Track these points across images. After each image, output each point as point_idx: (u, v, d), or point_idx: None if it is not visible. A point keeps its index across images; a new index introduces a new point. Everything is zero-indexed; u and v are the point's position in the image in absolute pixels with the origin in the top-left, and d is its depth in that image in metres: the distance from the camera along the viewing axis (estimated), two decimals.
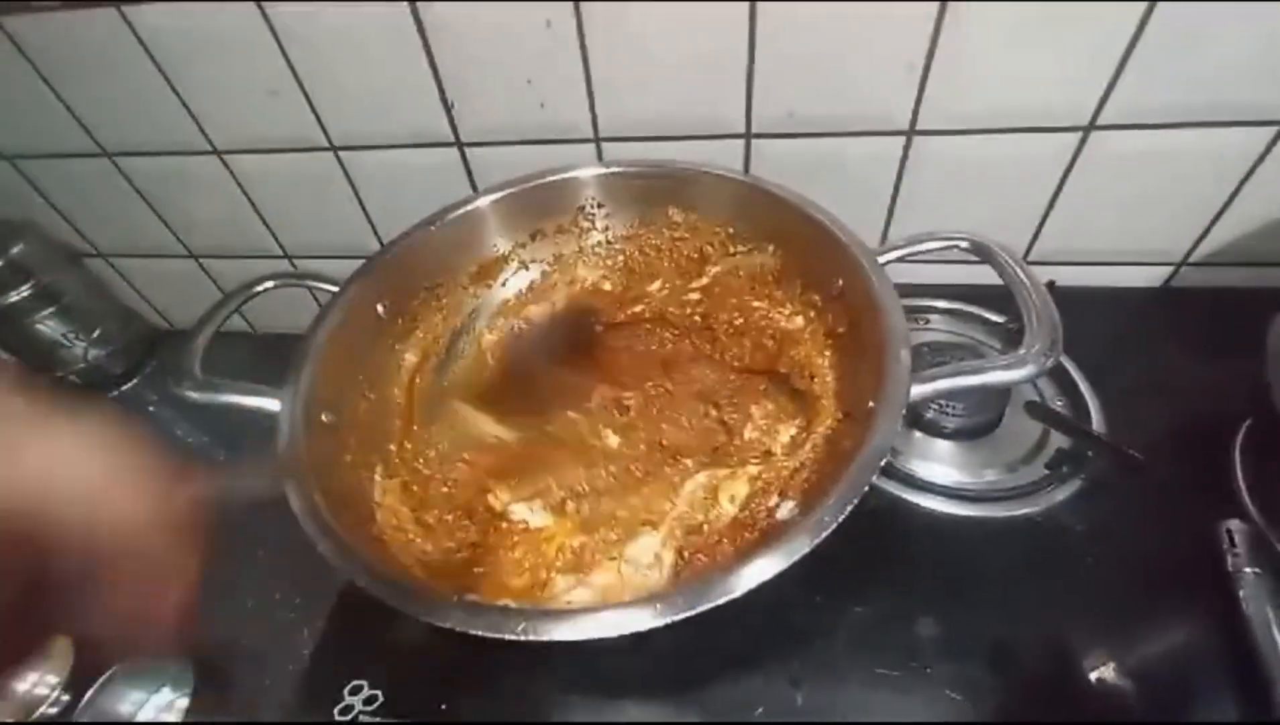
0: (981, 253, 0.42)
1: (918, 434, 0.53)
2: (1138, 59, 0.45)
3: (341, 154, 0.60)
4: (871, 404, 0.35)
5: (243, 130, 0.59)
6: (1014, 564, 0.44)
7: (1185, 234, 0.56)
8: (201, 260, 0.74)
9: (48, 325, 0.69)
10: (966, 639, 0.41)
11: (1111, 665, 0.38)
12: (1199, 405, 0.50)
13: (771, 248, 0.49)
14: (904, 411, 0.34)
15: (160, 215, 0.68)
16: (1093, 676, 0.39)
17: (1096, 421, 0.50)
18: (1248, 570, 0.40)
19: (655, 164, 0.52)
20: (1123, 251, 0.59)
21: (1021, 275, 0.39)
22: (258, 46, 0.52)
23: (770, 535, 0.37)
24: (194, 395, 0.41)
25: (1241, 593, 0.39)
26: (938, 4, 0.44)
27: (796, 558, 0.30)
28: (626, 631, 0.29)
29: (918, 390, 0.35)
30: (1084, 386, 0.52)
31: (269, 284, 0.49)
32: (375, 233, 0.67)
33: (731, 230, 0.51)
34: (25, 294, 0.66)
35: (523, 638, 0.29)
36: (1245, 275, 0.57)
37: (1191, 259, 0.58)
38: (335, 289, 0.47)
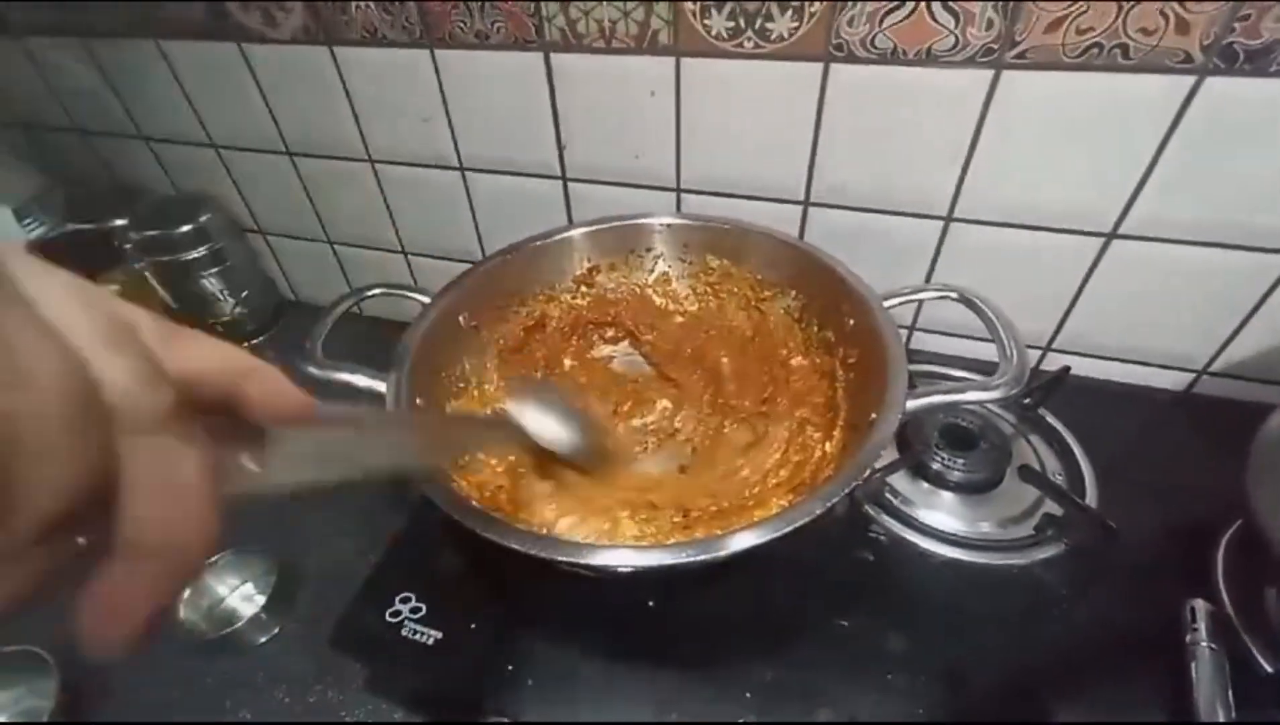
0: (968, 303, 0.49)
1: (925, 485, 0.58)
2: (1159, 176, 0.51)
3: (467, 174, 0.73)
4: (874, 416, 0.42)
5: (394, 145, 0.73)
6: (991, 606, 0.49)
7: (1204, 344, 0.60)
8: (335, 246, 0.88)
9: (211, 282, 0.84)
10: (930, 658, 0.46)
11: (1058, 715, 0.42)
12: (1196, 503, 0.53)
13: (794, 292, 0.57)
14: (900, 418, 0.41)
15: (314, 205, 0.83)
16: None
17: (1090, 497, 0.54)
18: (1204, 645, 0.43)
19: (699, 217, 0.62)
20: (1146, 351, 0.63)
21: (999, 324, 0.46)
22: (423, 82, 0.66)
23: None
24: (315, 371, 0.49)
25: (1194, 665, 0.42)
26: (979, 110, 0.52)
27: (794, 526, 0.36)
28: (652, 563, 0.36)
29: (911, 403, 0.42)
30: (1085, 465, 0.57)
31: (378, 291, 0.58)
32: (480, 242, 0.79)
33: (760, 276, 0.59)
34: (202, 254, 0.81)
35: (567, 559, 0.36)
36: (1265, 391, 0.60)
37: (1212, 369, 0.61)
38: (427, 300, 0.56)
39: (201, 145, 0.80)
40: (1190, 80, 0.46)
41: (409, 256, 0.86)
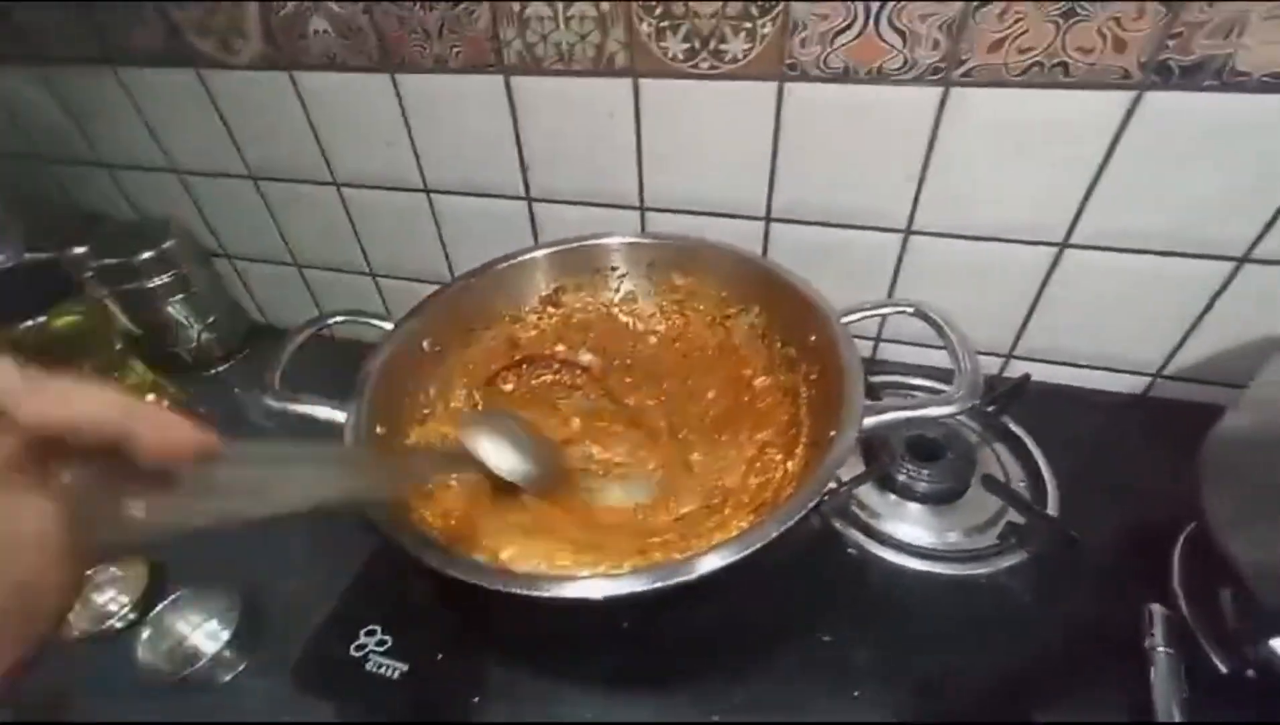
0: (923, 317, 0.50)
1: (892, 496, 0.59)
2: (1105, 188, 0.53)
3: (432, 196, 0.73)
4: (833, 433, 0.42)
5: (359, 168, 0.73)
6: (958, 617, 0.50)
7: (1159, 349, 0.61)
8: (303, 269, 0.87)
9: (175, 308, 0.83)
10: (896, 672, 0.46)
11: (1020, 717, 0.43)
12: (1153, 506, 0.54)
13: (757, 309, 0.58)
14: (858, 435, 0.41)
15: (280, 228, 0.82)
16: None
17: (1051, 506, 0.55)
18: (1161, 650, 0.44)
19: (660, 236, 0.63)
20: (1103, 357, 0.64)
21: (954, 337, 0.47)
22: (384, 107, 0.65)
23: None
24: (273, 403, 0.49)
25: (1153, 670, 0.43)
26: (931, 124, 0.53)
27: (757, 546, 0.36)
28: (613, 593, 0.35)
29: (869, 421, 0.42)
30: (1047, 472, 0.58)
31: (339, 318, 0.58)
32: (449, 263, 0.79)
33: (724, 293, 0.60)
34: (166, 281, 0.80)
35: (536, 594, 0.36)
36: (1216, 393, 0.62)
37: (1166, 372, 0.63)
38: (389, 326, 0.55)
39: (163, 171, 0.79)
40: (1130, 96, 0.48)
41: (377, 279, 0.85)
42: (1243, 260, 0.53)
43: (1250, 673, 0.41)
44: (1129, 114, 0.48)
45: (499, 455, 0.40)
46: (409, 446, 0.51)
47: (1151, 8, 0.43)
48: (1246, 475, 0.46)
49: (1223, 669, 0.43)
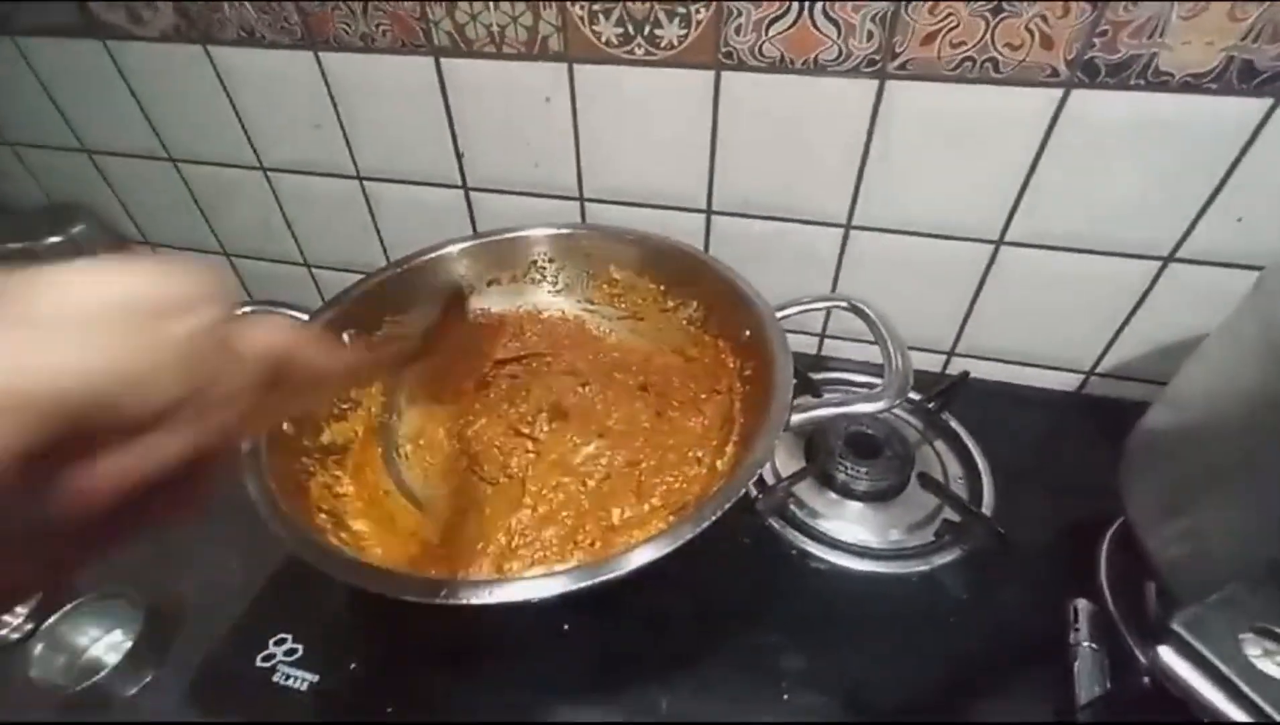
0: (857, 312, 0.49)
1: (832, 494, 0.58)
2: (1036, 186, 0.53)
3: (366, 183, 0.70)
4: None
5: (287, 153, 0.69)
6: (893, 615, 0.49)
7: (1091, 346, 0.62)
8: (233, 259, 0.83)
9: None
10: (828, 673, 0.45)
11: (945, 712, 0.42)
12: (1084, 501, 0.54)
13: (695, 303, 0.56)
14: (780, 433, 0.40)
15: (206, 216, 0.78)
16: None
17: (987, 502, 0.55)
18: (1085, 645, 0.44)
19: (595, 228, 0.61)
20: (1039, 355, 0.65)
21: (886, 333, 0.46)
22: (310, 87, 0.62)
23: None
24: None
25: (1076, 665, 0.43)
26: (868, 119, 0.53)
27: (676, 545, 0.34)
28: (534, 597, 0.33)
29: (796, 417, 0.41)
30: (984, 469, 0.58)
31: (247, 309, 0.55)
32: (385, 254, 0.76)
33: (663, 287, 0.58)
34: None
35: (446, 602, 0.33)
36: (1146, 390, 0.63)
37: (1099, 370, 0.64)
38: (305, 317, 0.52)
39: (72, 150, 0.74)
40: (1058, 93, 0.48)
41: (312, 270, 0.81)
42: (1168, 259, 0.54)
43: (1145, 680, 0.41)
44: (1058, 111, 0.49)
45: None
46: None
47: (1076, 6, 0.44)
48: (1167, 471, 0.46)
49: (1144, 662, 0.43)
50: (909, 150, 0.54)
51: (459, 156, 0.64)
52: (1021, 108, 0.49)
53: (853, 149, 0.55)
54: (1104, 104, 0.47)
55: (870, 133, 0.53)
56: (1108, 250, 0.55)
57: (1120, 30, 0.44)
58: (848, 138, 0.54)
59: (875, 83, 0.50)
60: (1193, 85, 0.45)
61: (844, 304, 0.50)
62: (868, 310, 0.48)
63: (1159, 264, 0.55)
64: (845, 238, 0.61)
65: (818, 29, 0.48)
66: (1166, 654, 0.31)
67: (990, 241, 0.57)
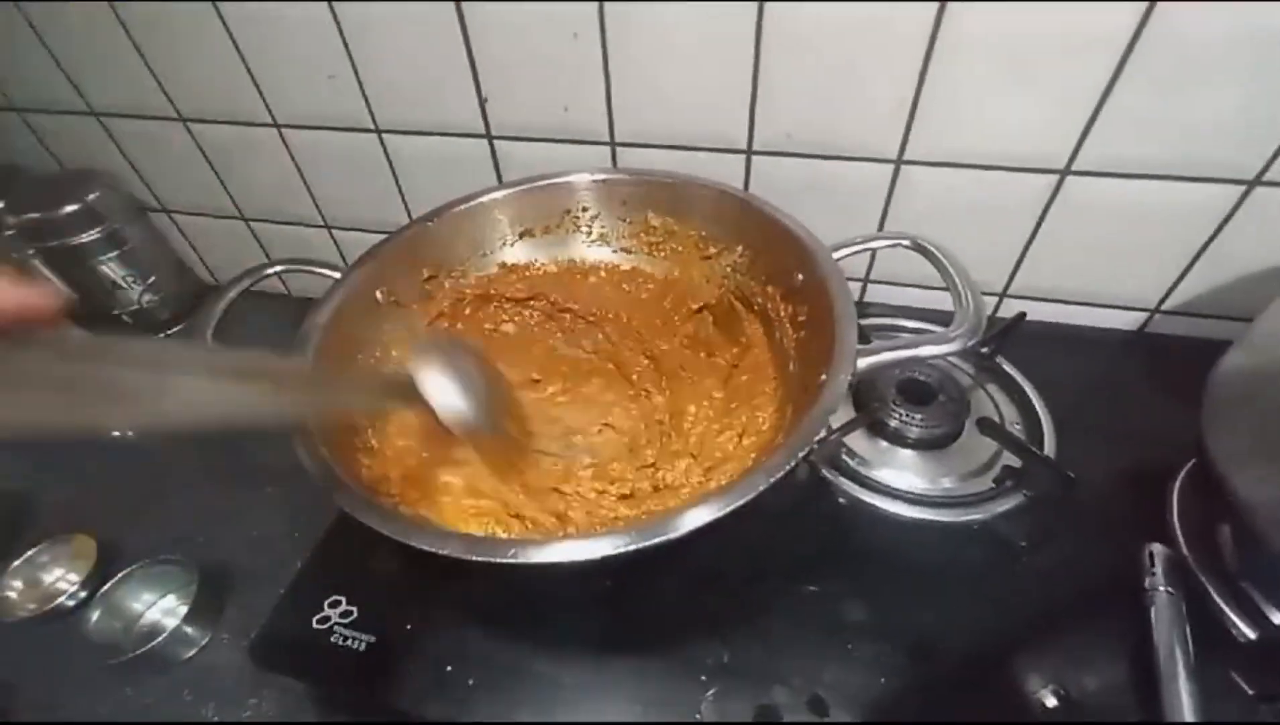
0: (921, 250, 0.46)
1: (884, 443, 0.56)
2: (1111, 109, 0.49)
3: (385, 136, 0.66)
4: (823, 377, 0.38)
5: (301, 107, 0.66)
6: (953, 564, 0.48)
7: (1158, 282, 0.59)
8: (251, 222, 0.81)
9: (110, 267, 0.76)
10: (891, 624, 0.44)
11: (1023, 669, 0.41)
12: (1151, 444, 0.52)
13: (740, 248, 0.53)
14: (850, 379, 0.38)
15: (221, 178, 0.75)
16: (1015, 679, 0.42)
17: (1048, 447, 0.53)
18: (1162, 590, 0.42)
19: (634, 172, 0.57)
20: (1100, 294, 0.62)
21: (954, 271, 0.43)
22: (323, 35, 0.59)
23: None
24: None
25: (1153, 610, 0.42)
26: (925, 46, 0.49)
27: (745, 500, 0.33)
28: (596, 556, 0.32)
29: (863, 362, 0.39)
30: (1043, 413, 0.55)
31: (277, 268, 0.52)
32: (408, 211, 0.73)
33: (704, 232, 0.55)
34: (94, 237, 0.73)
35: (513, 560, 0.32)
36: (1216, 327, 0.59)
37: (1165, 307, 0.60)
38: (338, 275, 0.50)
39: (80, 114, 0.71)
40: (1142, 8, 0.43)
41: (332, 231, 0.79)
42: (1254, 183, 0.50)
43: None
44: (1141, 26, 0.44)
45: (442, 393, 0.36)
46: (345, 368, 0.47)
47: None
48: (1251, 413, 0.44)
49: (1223, 606, 0.42)
50: (970, 77, 0.50)
51: (482, 102, 0.61)
52: (1098, 24, 0.45)
53: (907, 80, 0.51)
54: (1198, 18, 0.43)
55: (927, 61, 0.49)
56: (1186, 175, 0.51)
57: None
58: (902, 68, 0.50)
59: (935, 6, 0.46)
60: None
61: (907, 242, 0.47)
62: (933, 248, 0.45)
63: (1242, 189, 0.51)
64: (895, 174, 0.57)
65: None
66: None
67: (1055, 171, 0.53)
